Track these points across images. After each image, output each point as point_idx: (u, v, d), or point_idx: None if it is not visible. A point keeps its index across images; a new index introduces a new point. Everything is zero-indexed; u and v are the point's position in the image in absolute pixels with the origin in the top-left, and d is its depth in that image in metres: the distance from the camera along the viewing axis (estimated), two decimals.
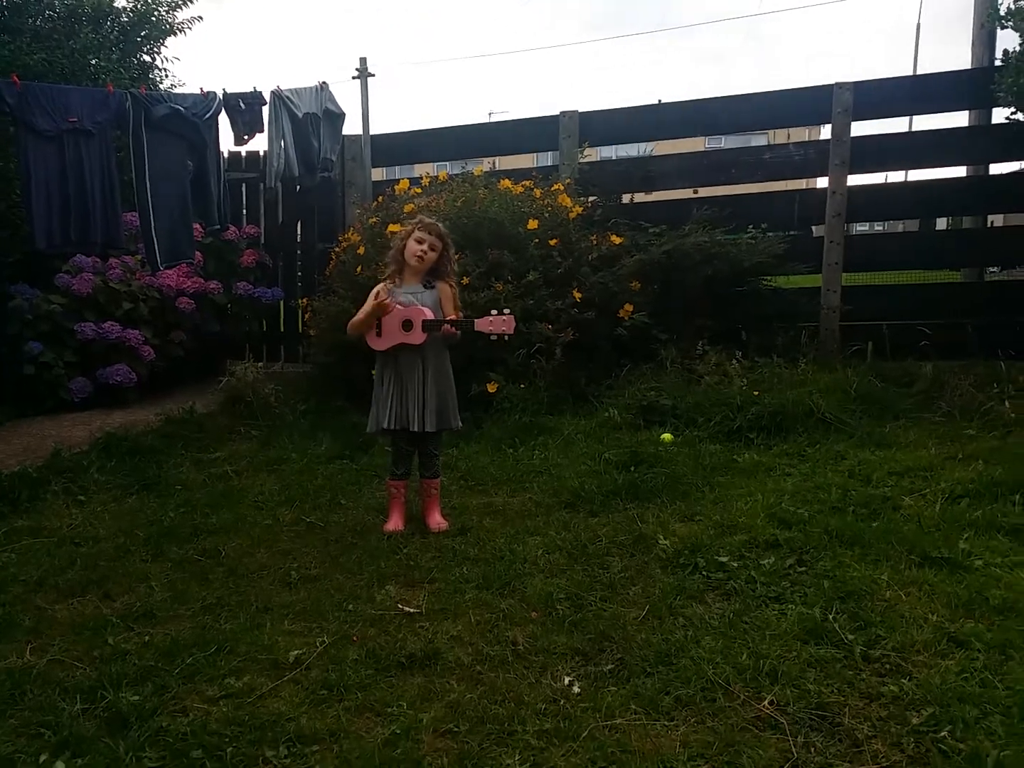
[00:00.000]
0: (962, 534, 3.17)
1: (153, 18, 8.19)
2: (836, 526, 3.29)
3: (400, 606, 2.88)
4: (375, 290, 3.64)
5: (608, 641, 2.59)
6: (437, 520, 3.63)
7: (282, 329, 7.98)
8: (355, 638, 2.67)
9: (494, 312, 3.54)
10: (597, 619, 2.72)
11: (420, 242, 3.56)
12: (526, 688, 2.35)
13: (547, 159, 8.69)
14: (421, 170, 7.81)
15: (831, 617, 2.62)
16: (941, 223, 8.23)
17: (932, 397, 5.08)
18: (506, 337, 3.58)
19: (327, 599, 2.95)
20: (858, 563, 3.01)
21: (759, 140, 14.50)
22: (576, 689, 2.35)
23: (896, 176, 12.59)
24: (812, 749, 2.05)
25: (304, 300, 6.84)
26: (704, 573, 3.02)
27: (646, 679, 2.37)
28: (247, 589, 3.06)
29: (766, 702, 2.24)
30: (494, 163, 7.42)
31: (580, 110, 6.93)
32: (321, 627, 2.75)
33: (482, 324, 3.51)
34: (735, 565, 3.05)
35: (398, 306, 3.54)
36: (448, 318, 3.56)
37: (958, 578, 2.84)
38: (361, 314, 3.61)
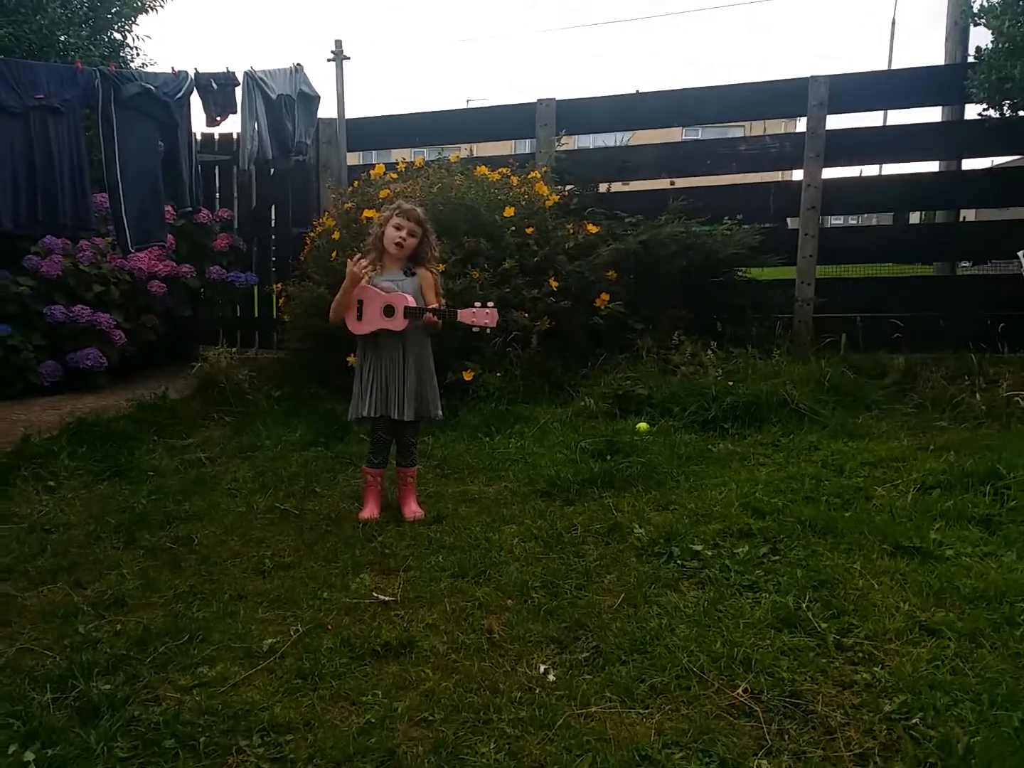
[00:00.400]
0: (933, 524, 3.22)
1: None
2: (809, 515, 3.32)
3: (375, 594, 2.87)
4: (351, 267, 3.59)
5: (583, 629, 2.59)
6: (413, 509, 3.62)
7: (256, 314, 7.89)
8: (330, 626, 2.65)
9: (477, 304, 3.50)
10: (572, 607, 2.73)
11: (399, 228, 3.51)
12: (501, 676, 2.35)
13: (525, 146, 8.67)
14: (397, 155, 7.75)
15: (804, 606, 2.65)
16: (914, 217, 8.31)
17: (904, 389, 5.17)
18: (488, 330, 3.56)
19: (301, 587, 2.92)
20: (831, 552, 3.04)
21: (736, 132, 14.60)
22: (551, 677, 2.35)
23: (870, 170, 12.74)
24: (786, 736, 2.07)
25: (278, 285, 6.77)
26: (679, 562, 3.03)
27: (621, 667, 2.37)
28: (220, 577, 3.03)
29: (740, 690, 2.25)
30: (471, 150, 7.37)
31: (558, 98, 6.91)
32: (295, 615, 2.73)
33: (465, 315, 3.48)
34: (709, 554, 3.07)
35: (380, 291, 3.50)
36: (431, 307, 3.52)
37: (929, 567, 2.88)
38: (340, 293, 3.55)
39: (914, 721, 2.07)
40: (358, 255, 3.57)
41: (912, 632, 2.49)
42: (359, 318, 3.54)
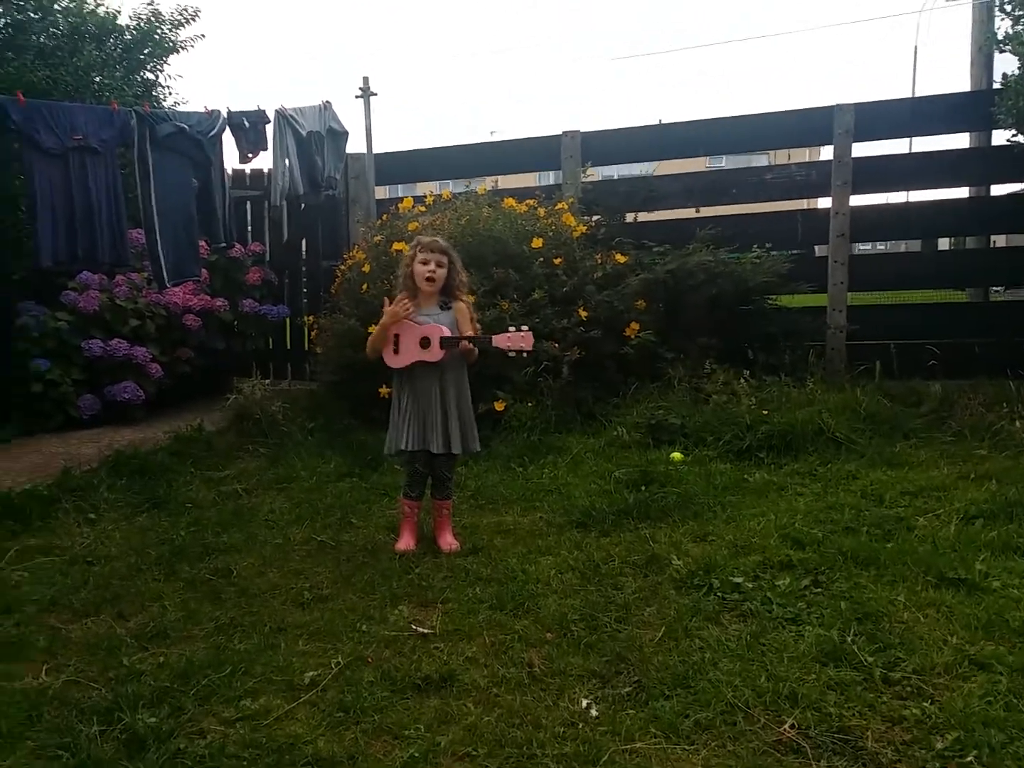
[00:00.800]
0: (978, 555, 3.16)
1: (156, 36, 8.23)
2: (850, 547, 3.28)
3: (414, 627, 2.86)
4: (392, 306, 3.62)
5: (625, 663, 2.57)
6: (449, 541, 3.61)
7: (288, 346, 7.98)
8: (370, 659, 2.65)
9: (512, 328, 3.52)
10: (613, 641, 2.70)
11: (425, 263, 3.53)
12: (543, 711, 2.33)
13: (549, 178, 8.74)
14: (424, 188, 7.84)
15: (849, 639, 2.60)
16: (943, 243, 8.28)
17: (941, 416, 5.10)
18: (524, 353, 3.57)
19: (340, 619, 2.93)
20: (874, 584, 3.00)
21: (759, 160, 14.62)
22: (594, 712, 2.33)
23: (897, 196, 12.70)
24: None
25: (310, 317, 6.85)
26: (719, 594, 3.01)
27: (665, 702, 2.34)
28: (260, 609, 3.05)
29: (787, 725, 2.22)
30: (496, 182, 7.45)
31: (582, 130, 6.98)
32: (335, 648, 2.73)
33: (500, 340, 3.49)
34: (750, 586, 3.03)
35: (415, 324, 3.53)
36: (466, 334, 3.53)
37: (976, 599, 2.83)
38: (378, 327, 3.58)
39: (968, 759, 2.03)
40: (403, 294, 3.58)
41: (961, 666, 2.44)
42: (396, 351, 3.57)
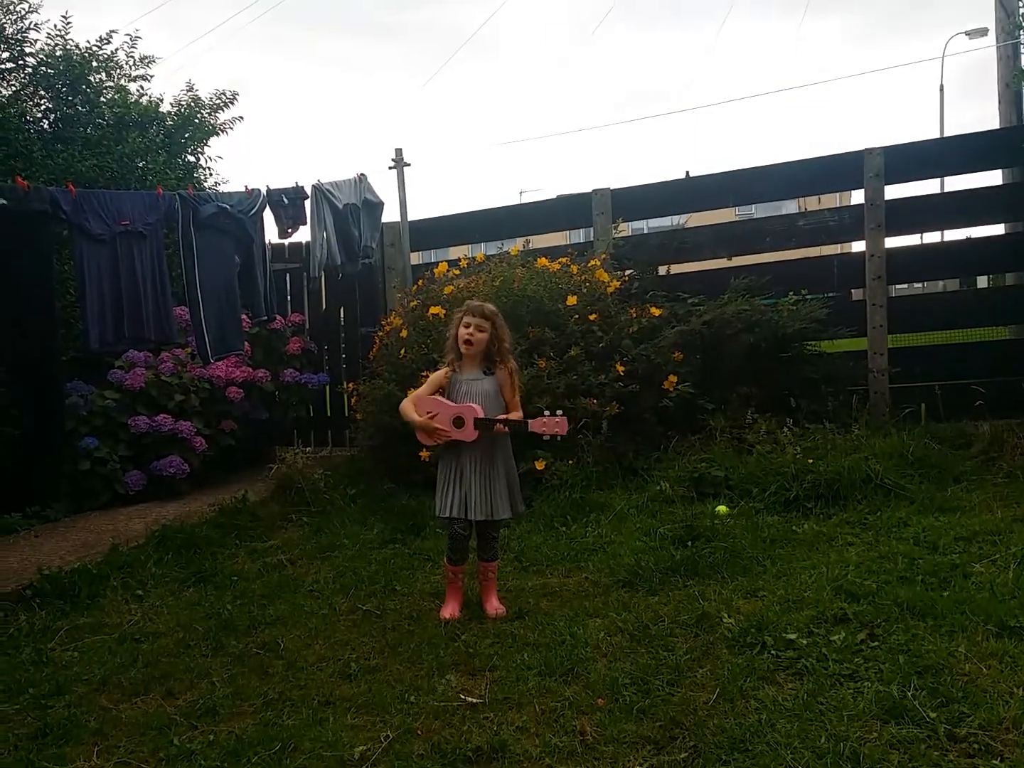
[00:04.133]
0: None
1: (196, 120, 8.56)
2: (906, 597, 3.19)
3: (462, 696, 2.83)
4: (435, 376, 3.67)
5: (679, 728, 2.51)
6: (495, 606, 3.58)
7: (329, 414, 8.07)
8: (419, 731, 2.62)
9: (547, 413, 3.58)
10: (666, 705, 2.64)
11: (466, 326, 3.58)
12: None
13: (579, 235, 8.83)
14: (457, 252, 7.96)
15: (910, 694, 2.52)
16: (982, 281, 8.16)
17: (992, 458, 4.98)
18: (559, 438, 3.62)
19: (388, 691, 2.90)
20: (932, 635, 2.91)
21: (789, 207, 14.62)
22: None
23: (931, 236, 12.56)
24: None
25: (350, 384, 6.93)
26: (773, 652, 2.93)
27: (722, 767, 2.28)
28: (307, 682, 3.03)
29: None
30: (528, 242, 7.54)
31: (612, 187, 7.06)
32: (384, 720, 2.71)
33: (536, 425, 3.54)
34: (804, 642, 2.96)
35: (450, 403, 3.57)
36: (500, 416, 3.56)
37: None
38: (412, 413, 3.62)
39: None
40: (451, 358, 3.67)
41: None
42: None
